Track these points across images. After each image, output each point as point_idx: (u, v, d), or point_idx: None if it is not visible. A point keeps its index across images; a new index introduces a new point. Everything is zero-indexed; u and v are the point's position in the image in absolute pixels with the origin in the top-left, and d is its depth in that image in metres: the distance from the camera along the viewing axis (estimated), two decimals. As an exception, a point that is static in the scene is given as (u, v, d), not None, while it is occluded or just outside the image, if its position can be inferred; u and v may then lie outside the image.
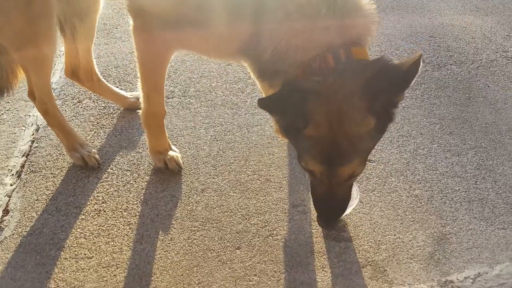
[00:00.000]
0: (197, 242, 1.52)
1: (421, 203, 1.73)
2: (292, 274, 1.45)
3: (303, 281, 1.44)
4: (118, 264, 1.43)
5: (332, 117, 1.10)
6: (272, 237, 1.56)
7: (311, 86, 1.10)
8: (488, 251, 1.58)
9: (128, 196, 1.63)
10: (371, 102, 1.10)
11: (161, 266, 1.44)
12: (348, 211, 1.49)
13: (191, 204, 1.63)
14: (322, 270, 1.47)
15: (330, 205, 1.28)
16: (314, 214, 1.60)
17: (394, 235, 1.60)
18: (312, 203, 1.46)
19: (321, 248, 1.53)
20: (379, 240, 1.59)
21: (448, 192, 1.79)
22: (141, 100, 1.58)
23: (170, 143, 1.76)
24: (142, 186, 1.67)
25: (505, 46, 2.58)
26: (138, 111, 1.63)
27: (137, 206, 1.60)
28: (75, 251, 1.46)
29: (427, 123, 2.09)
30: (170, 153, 1.72)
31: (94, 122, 1.90)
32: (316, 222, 1.42)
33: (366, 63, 1.15)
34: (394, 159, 1.88)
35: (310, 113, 1.10)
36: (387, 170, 1.83)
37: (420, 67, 1.11)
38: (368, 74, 1.08)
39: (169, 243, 1.51)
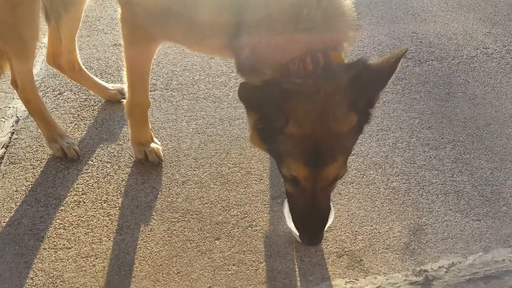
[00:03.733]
0: (176, 233, 1.55)
1: (398, 195, 1.79)
2: (270, 264, 1.50)
3: (281, 270, 1.48)
4: (97, 254, 1.46)
5: (314, 115, 1.08)
6: (252, 228, 1.60)
7: (292, 87, 1.08)
8: (462, 242, 1.65)
9: (108, 187, 1.66)
10: (354, 101, 1.10)
11: (140, 256, 1.47)
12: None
13: (171, 195, 1.67)
14: (300, 259, 1.52)
15: (315, 217, 1.21)
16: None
17: (371, 226, 1.66)
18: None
19: (299, 239, 1.57)
20: (356, 231, 1.65)
21: (425, 184, 1.85)
22: (125, 90, 1.60)
23: (153, 135, 1.78)
24: (122, 177, 1.70)
25: (486, 42, 2.66)
26: (123, 100, 1.65)
27: (117, 198, 1.63)
28: (54, 241, 1.48)
29: (407, 118, 2.15)
30: (152, 145, 1.75)
31: (75, 114, 1.91)
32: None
33: (346, 65, 1.15)
34: (373, 152, 1.94)
35: (291, 111, 1.08)
36: (366, 163, 1.88)
37: (399, 64, 1.10)
38: (350, 75, 1.09)
39: (149, 234, 1.54)
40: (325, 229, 1.44)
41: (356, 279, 1.49)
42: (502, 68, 2.47)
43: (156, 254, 1.48)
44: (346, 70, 1.10)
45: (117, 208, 1.60)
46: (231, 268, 1.48)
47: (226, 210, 1.65)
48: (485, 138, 2.11)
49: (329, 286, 1.46)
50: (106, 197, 1.63)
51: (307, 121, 1.09)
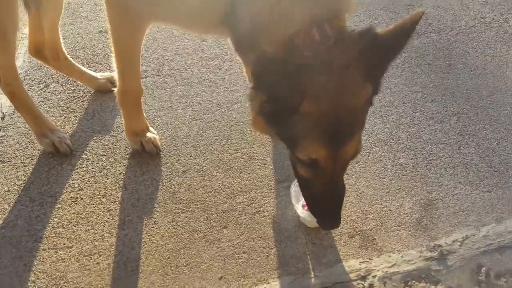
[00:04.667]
0: (182, 224, 1.51)
1: (406, 171, 1.76)
2: (281, 249, 1.47)
3: (293, 255, 1.45)
4: (101, 251, 1.41)
5: (331, 89, 1.02)
6: (259, 214, 1.56)
7: (305, 61, 1.01)
8: (474, 214, 1.63)
9: (106, 181, 1.60)
10: (368, 71, 1.05)
11: (146, 250, 1.43)
12: None
13: (173, 186, 1.62)
14: (311, 243, 1.49)
15: (334, 199, 1.16)
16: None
17: (381, 204, 1.64)
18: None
19: (310, 222, 1.54)
20: (366, 210, 1.62)
21: (433, 158, 1.83)
22: (116, 78, 1.53)
23: (148, 124, 1.72)
24: (119, 170, 1.64)
25: (483, 12, 2.62)
26: (113, 89, 1.58)
27: (116, 192, 1.57)
28: (53, 241, 1.42)
29: (409, 92, 2.12)
30: (148, 134, 1.69)
31: (63, 106, 1.84)
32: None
33: (356, 34, 1.08)
34: (377, 129, 1.90)
35: (306, 87, 1.00)
36: (370, 141, 1.85)
37: (415, 29, 1.05)
38: (362, 44, 1.03)
39: (153, 227, 1.49)
40: None
41: (370, 259, 1.47)
42: (500, 37, 2.45)
43: (163, 247, 1.44)
44: (358, 39, 1.04)
45: (117, 202, 1.54)
46: (242, 256, 1.44)
47: (231, 197, 1.60)
48: (489, 109, 2.09)
49: (343, 267, 1.43)
50: (105, 192, 1.57)
51: (324, 97, 1.02)
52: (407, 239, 1.54)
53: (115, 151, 1.70)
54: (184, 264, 1.41)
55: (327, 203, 1.19)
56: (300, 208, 1.49)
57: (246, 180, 1.66)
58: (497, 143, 1.93)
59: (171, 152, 1.73)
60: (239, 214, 1.55)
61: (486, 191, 1.73)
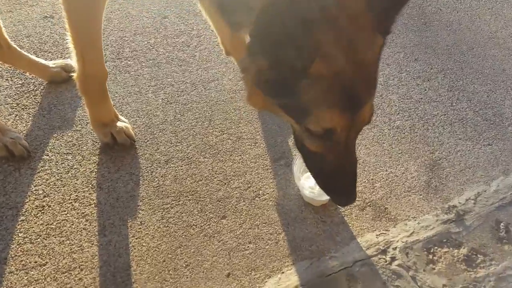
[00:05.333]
0: (173, 220, 1.32)
1: (404, 133, 1.67)
2: (290, 233, 1.32)
3: (304, 237, 1.31)
4: (82, 265, 1.19)
5: (343, 45, 0.88)
6: (259, 197, 1.40)
7: (312, 14, 0.87)
8: (480, 169, 1.57)
9: (76, 183, 1.37)
10: (377, 21, 0.92)
11: (136, 256, 1.23)
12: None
13: (156, 179, 1.42)
14: (322, 221, 1.36)
15: (350, 172, 1.04)
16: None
17: (386, 170, 1.53)
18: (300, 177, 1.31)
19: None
20: (372, 179, 1.51)
21: (428, 118, 1.75)
22: (74, 63, 1.30)
23: (117, 113, 1.50)
24: (90, 169, 1.41)
25: (449, -33, 2.57)
26: (72, 75, 1.35)
27: (90, 193, 1.35)
28: (21, 260, 1.19)
29: (391, 53, 2.03)
30: (118, 124, 1.47)
31: (12, 103, 1.57)
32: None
33: None
34: (369, 92, 1.79)
35: (317, 44, 0.87)
36: (365, 105, 1.73)
37: None
38: None
39: (140, 228, 1.29)
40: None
41: (386, 230, 1.36)
42: (470, -10, 2.42)
43: (155, 250, 1.25)
44: None
45: (93, 205, 1.32)
46: (248, 247, 1.28)
47: (225, 183, 1.43)
48: (472, 63, 2.05)
49: (360, 243, 1.31)
50: (76, 195, 1.34)
51: (336, 53, 0.88)
52: (420, 204, 1.44)
53: (82, 147, 1.47)
54: (184, 265, 1.23)
55: (342, 177, 1.05)
56: (305, 186, 1.35)
57: (238, 163, 1.49)
58: (487, 96, 1.88)
59: (147, 141, 1.52)
60: (236, 200, 1.39)
61: (487, 144, 1.67)
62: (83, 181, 1.37)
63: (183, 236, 1.28)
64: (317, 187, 1.28)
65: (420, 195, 1.47)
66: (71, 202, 1.32)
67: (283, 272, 1.23)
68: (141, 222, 1.30)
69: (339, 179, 1.06)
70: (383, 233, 1.35)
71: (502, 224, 1.40)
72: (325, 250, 1.28)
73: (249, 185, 1.43)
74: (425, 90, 1.87)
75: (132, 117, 1.59)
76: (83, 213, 1.30)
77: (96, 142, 1.49)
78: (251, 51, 0.98)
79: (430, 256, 1.30)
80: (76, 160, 1.43)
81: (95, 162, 1.43)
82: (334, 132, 0.96)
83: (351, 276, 1.23)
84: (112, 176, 1.41)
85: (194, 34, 1.98)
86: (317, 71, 0.89)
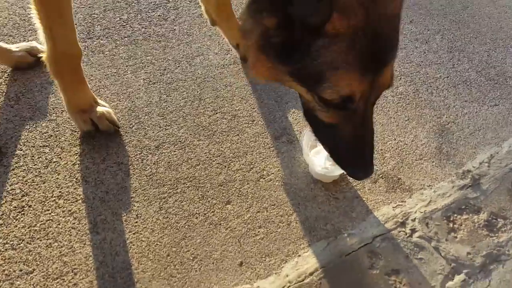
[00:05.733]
0: (173, 210, 1.21)
1: (408, 99, 1.60)
2: (302, 213, 1.24)
3: (317, 216, 1.23)
4: (75, 268, 1.08)
5: None
6: (264, 178, 1.31)
7: None
8: (490, 131, 1.52)
9: (57, 178, 1.24)
10: None
11: (136, 253, 1.12)
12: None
13: (148, 167, 1.30)
14: (334, 198, 1.28)
15: (367, 142, 0.96)
16: (301, 141, 1.38)
17: (394, 139, 1.46)
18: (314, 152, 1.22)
19: (326, 174, 1.32)
20: (381, 149, 1.43)
21: (431, 81, 1.68)
22: (43, 41, 1.15)
23: (95, 97, 1.36)
24: (72, 161, 1.28)
25: None
26: (40, 55, 1.20)
27: (75, 188, 1.22)
28: (4, 270, 1.06)
29: (385, 16, 1.94)
30: (99, 109, 1.33)
31: (-29, 94, 1.40)
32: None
33: None
34: (368, 58, 1.70)
35: None
36: (365, 72, 1.65)
37: None
38: None
39: (137, 222, 1.18)
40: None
41: (402, 201, 1.29)
42: None
43: (157, 244, 1.14)
44: None
45: (80, 201, 1.20)
46: (258, 231, 1.19)
47: (225, 166, 1.32)
48: (468, 22, 1.99)
49: (377, 217, 1.24)
50: (59, 192, 1.21)
51: (355, 6, 0.78)
52: (433, 172, 1.38)
53: (59, 138, 1.33)
54: (191, 257, 1.13)
55: (359, 149, 0.97)
56: (315, 162, 1.26)
57: (237, 143, 1.39)
58: (488, 55, 1.83)
59: (133, 126, 1.40)
60: (240, 183, 1.29)
61: (494, 105, 1.63)
62: (65, 176, 1.24)
63: (186, 227, 1.18)
64: (328, 162, 1.20)
65: (433, 162, 1.41)
66: (55, 200, 1.19)
67: (299, 255, 1.15)
68: (137, 215, 1.19)
69: (356, 151, 0.98)
70: (399, 204, 1.28)
71: (519, 185, 1.36)
72: (341, 228, 1.21)
73: (252, 166, 1.33)
74: (425, 53, 1.81)
75: (112, 101, 1.46)
76: (69, 210, 1.17)
77: (75, 131, 1.35)
78: (254, 10, 0.87)
79: (451, 225, 1.24)
80: (54, 153, 1.29)
81: (77, 153, 1.30)
82: (352, 99, 0.87)
83: (372, 252, 1.16)
84: (98, 168, 1.28)
85: (171, 6, 1.83)
86: (334, 28, 0.80)
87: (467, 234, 1.24)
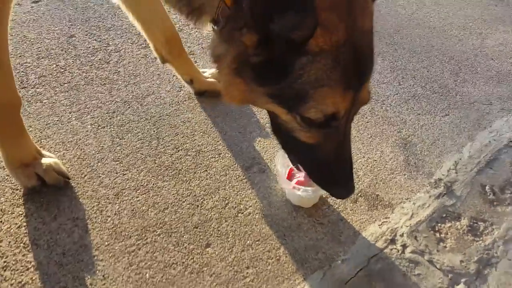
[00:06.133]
0: (145, 264, 1.07)
1: (367, 117, 1.63)
2: (290, 244, 1.16)
3: (306, 246, 1.16)
4: None
5: (341, 10, 0.78)
6: (242, 213, 1.22)
7: None
8: (448, 139, 1.58)
9: (0, 246, 1.04)
10: None
11: (108, 321, 0.95)
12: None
13: (109, 219, 1.15)
14: (318, 224, 1.22)
15: (348, 159, 0.95)
16: (273, 168, 1.32)
17: (363, 156, 1.46)
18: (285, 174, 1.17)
19: (307, 200, 1.26)
20: (354, 168, 1.41)
21: (383, 99, 1.74)
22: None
23: (38, 148, 1.21)
24: (16, 224, 1.10)
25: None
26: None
27: (24, 255, 1.04)
28: None
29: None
30: (44, 161, 1.18)
31: None
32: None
33: None
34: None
35: (317, 11, 0.75)
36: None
37: None
38: None
39: (105, 284, 1.01)
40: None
41: (386, 218, 1.27)
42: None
43: (133, 306, 0.98)
44: None
45: (31, 269, 1.01)
46: (247, 273, 1.08)
47: (197, 206, 1.22)
48: (403, 43, 2.13)
49: (366, 238, 1.20)
50: (4, 262, 1.02)
51: (336, 21, 0.78)
52: (408, 184, 1.39)
53: (-3, 199, 1.14)
54: (175, 315, 0.98)
55: (341, 167, 0.96)
56: (292, 187, 1.20)
57: (206, 179, 1.29)
58: (427, 71, 1.96)
59: (85, 176, 1.25)
60: (217, 222, 1.18)
61: (445, 115, 1.71)
62: (9, 242, 1.05)
63: (164, 280, 1.04)
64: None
65: (404, 174, 1.42)
66: (0, 272, 0.99)
67: (296, 292, 1.05)
68: (103, 275, 1.02)
69: (337, 169, 0.96)
70: (384, 221, 1.25)
71: (487, 187, 1.41)
72: (333, 255, 1.14)
73: (227, 201, 1.24)
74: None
75: (57, 151, 1.31)
76: (19, 282, 0.98)
77: (17, 189, 1.17)
78: (229, 30, 0.84)
79: (437, 235, 1.23)
80: (-8, 218, 1.10)
81: (21, 214, 1.12)
82: (337, 117, 0.86)
83: (370, 276, 1.10)
84: (49, 227, 1.10)
85: (112, 49, 1.75)
86: (317, 45, 0.79)
87: (455, 242, 1.23)
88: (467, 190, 1.39)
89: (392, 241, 1.20)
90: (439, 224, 1.27)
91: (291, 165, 1.14)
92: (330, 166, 0.95)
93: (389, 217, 1.27)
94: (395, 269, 1.12)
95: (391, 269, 1.12)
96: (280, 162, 1.21)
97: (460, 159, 1.51)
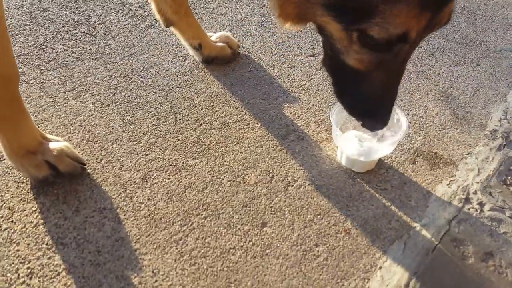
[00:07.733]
0: (199, 252, 0.94)
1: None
2: (356, 215, 1.07)
3: (375, 215, 1.08)
4: None
5: None
6: (292, 186, 1.12)
7: None
8: (488, 88, 1.55)
9: (18, 250, 0.89)
10: None
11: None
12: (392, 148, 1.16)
13: (142, 205, 1.01)
14: (381, 190, 1.14)
15: (395, 91, 0.90)
16: (315, 135, 1.22)
17: (408, 114, 1.40)
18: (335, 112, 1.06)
19: (355, 183, 1.17)
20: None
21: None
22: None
23: (41, 131, 1.05)
24: (31, 222, 0.94)
25: None
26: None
27: (49, 258, 0.88)
28: None
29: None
30: (52, 145, 1.02)
31: None
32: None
33: None
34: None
35: None
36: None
37: None
38: None
39: (157, 281, 0.88)
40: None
41: (452, 176, 1.20)
42: None
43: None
44: None
45: (63, 273, 0.86)
46: (317, 250, 0.98)
47: (239, 182, 1.10)
48: None
49: (438, 199, 1.13)
50: (28, 268, 0.86)
51: None
52: (463, 138, 1.32)
53: (2, 196, 0.98)
54: (249, 308, 0.86)
55: (385, 98, 0.89)
56: (350, 147, 1.11)
57: (242, 152, 1.18)
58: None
59: (101, 160, 1.10)
60: (267, 198, 1.07)
61: (476, 64, 1.68)
62: (29, 244, 0.90)
63: (226, 269, 0.91)
64: (361, 148, 1.07)
65: (456, 129, 1.35)
66: (24, 281, 0.84)
67: (380, 267, 0.96)
68: (153, 271, 0.89)
69: (381, 100, 0.90)
70: (452, 180, 1.18)
71: (544, 133, 1.36)
72: (408, 222, 1.06)
73: (271, 175, 1.13)
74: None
75: (61, 135, 1.15)
76: (66, 284, 0.83)
77: (22, 182, 1.01)
78: None
79: (511, 188, 1.17)
80: (1, 218, 0.94)
81: (35, 210, 0.96)
82: (406, 39, 0.76)
83: (456, 240, 1.02)
84: (74, 222, 0.95)
85: (95, 21, 1.59)
86: None
87: (529, 193, 1.17)
88: (527, 139, 1.34)
89: (467, 200, 1.13)
90: (509, 178, 1.21)
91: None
92: (374, 97, 0.89)
93: (455, 175, 1.20)
94: (479, 229, 1.05)
95: (475, 230, 1.05)
96: (338, 111, 1.11)
97: (508, 108, 1.46)
